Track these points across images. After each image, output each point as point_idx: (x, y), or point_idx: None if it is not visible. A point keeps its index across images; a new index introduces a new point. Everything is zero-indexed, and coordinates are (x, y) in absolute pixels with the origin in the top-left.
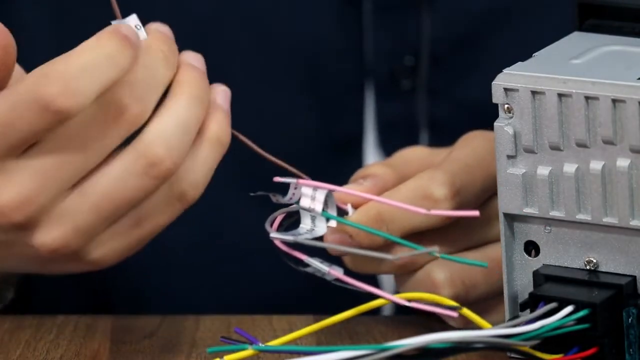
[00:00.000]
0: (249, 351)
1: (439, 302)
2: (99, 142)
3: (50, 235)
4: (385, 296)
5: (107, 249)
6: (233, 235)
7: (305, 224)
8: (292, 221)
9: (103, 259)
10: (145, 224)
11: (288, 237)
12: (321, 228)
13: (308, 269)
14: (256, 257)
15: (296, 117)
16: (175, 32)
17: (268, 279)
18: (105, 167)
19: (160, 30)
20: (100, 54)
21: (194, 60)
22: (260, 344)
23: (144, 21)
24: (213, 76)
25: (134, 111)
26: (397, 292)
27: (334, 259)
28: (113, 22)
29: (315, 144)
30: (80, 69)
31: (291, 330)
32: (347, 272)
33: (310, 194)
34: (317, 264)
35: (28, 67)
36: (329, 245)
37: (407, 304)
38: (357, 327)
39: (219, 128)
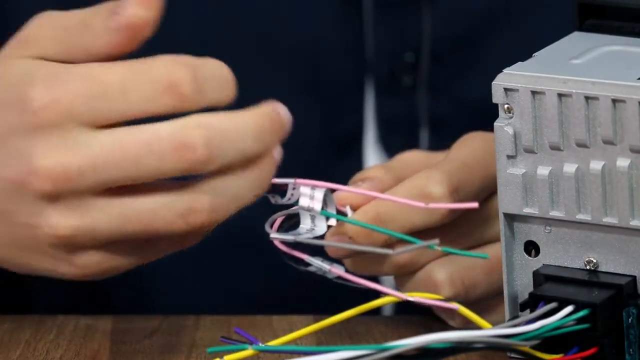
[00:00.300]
0: (249, 351)
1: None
2: (157, 167)
3: (64, 221)
4: (387, 291)
5: (100, 260)
6: (233, 235)
7: (305, 223)
8: (292, 223)
9: (89, 270)
10: (150, 254)
11: (288, 237)
12: (321, 227)
13: (309, 268)
14: (256, 257)
15: (297, 115)
16: (176, 32)
17: (268, 279)
18: (150, 192)
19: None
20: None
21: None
22: (260, 344)
23: None
24: None
25: (202, 158)
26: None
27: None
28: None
29: (316, 142)
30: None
31: (291, 330)
32: (348, 270)
33: (308, 193)
34: (318, 263)
35: None
36: (329, 243)
37: (408, 298)
38: (357, 327)
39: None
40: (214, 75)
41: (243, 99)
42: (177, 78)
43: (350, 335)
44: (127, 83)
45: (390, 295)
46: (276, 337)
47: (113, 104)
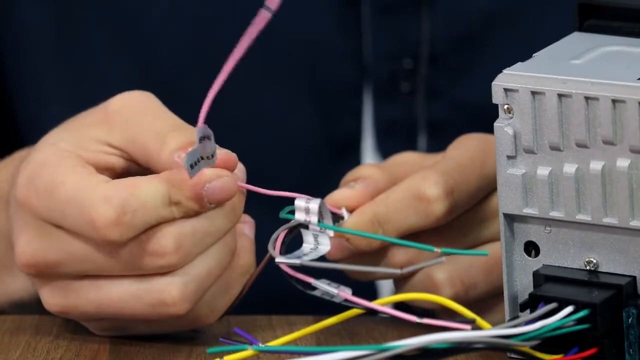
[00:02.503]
0: (249, 351)
1: (440, 302)
2: (130, 264)
3: (52, 300)
4: (396, 314)
5: (104, 326)
6: None
7: (308, 242)
8: (292, 237)
9: (101, 332)
10: (125, 330)
11: (294, 260)
12: (325, 245)
13: (316, 292)
14: (256, 257)
15: (295, 119)
16: (175, 32)
17: (268, 279)
18: (123, 279)
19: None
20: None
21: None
22: (260, 344)
23: (143, 21)
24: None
25: (173, 262)
26: (395, 292)
27: (341, 278)
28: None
29: (314, 146)
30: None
31: (291, 330)
32: (356, 287)
33: (303, 206)
34: (325, 287)
35: (30, 67)
36: (335, 266)
37: (418, 320)
38: (357, 327)
39: (250, 259)
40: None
41: (242, 101)
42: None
43: (350, 335)
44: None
45: (400, 318)
46: (276, 337)
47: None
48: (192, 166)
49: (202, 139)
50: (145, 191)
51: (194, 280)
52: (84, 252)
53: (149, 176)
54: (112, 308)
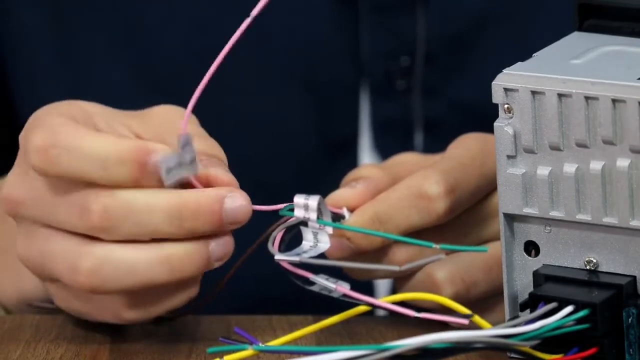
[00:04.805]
0: (249, 351)
1: (441, 302)
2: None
3: (22, 242)
4: (396, 309)
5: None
6: (232, 235)
7: (308, 240)
8: (292, 235)
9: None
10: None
11: (293, 257)
12: (324, 243)
13: (314, 287)
14: (256, 257)
15: (292, 117)
16: (173, 34)
17: (268, 279)
18: (55, 233)
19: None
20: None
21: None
22: (260, 344)
23: (141, 23)
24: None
25: (99, 224)
26: (395, 292)
27: (339, 274)
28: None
29: (311, 144)
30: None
31: (291, 330)
32: (354, 287)
33: (302, 203)
34: (323, 282)
35: (28, 69)
36: (334, 263)
37: (416, 314)
38: (357, 327)
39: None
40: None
41: (238, 100)
42: None
43: (350, 335)
44: None
45: (399, 313)
46: (276, 337)
47: None
48: (168, 171)
49: (184, 146)
50: (89, 143)
51: (108, 260)
52: (40, 193)
53: (111, 135)
54: (54, 263)
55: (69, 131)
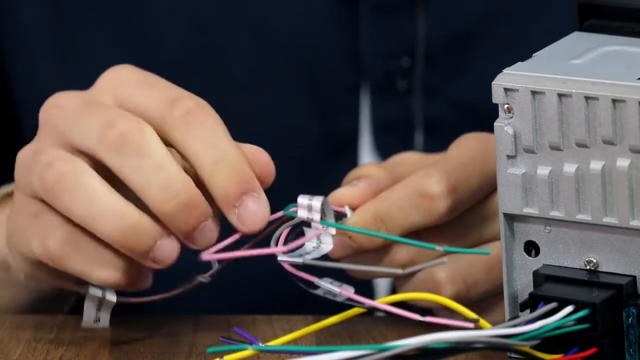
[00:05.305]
0: (249, 351)
1: (441, 302)
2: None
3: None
4: (399, 313)
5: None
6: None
7: (311, 241)
8: (296, 234)
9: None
10: None
11: (296, 259)
12: (327, 244)
13: (318, 291)
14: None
15: (292, 117)
16: (175, 33)
17: (268, 279)
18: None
19: None
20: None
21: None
22: (260, 344)
23: (142, 21)
24: (211, 78)
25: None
26: (395, 291)
27: (344, 277)
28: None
29: (311, 144)
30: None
31: (291, 330)
32: (358, 291)
33: (306, 204)
34: (327, 286)
35: (28, 67)
36: (337, 265)
37: (421, 318)
38: (357, 327)
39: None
40: None
41: (239, 99)
42: None
43: (350, 335)
44: None
45: (403, 317)
46: (276, 337)
47: None
48: None
49: None
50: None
51: (81, 182)
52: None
53: None
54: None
55: None
